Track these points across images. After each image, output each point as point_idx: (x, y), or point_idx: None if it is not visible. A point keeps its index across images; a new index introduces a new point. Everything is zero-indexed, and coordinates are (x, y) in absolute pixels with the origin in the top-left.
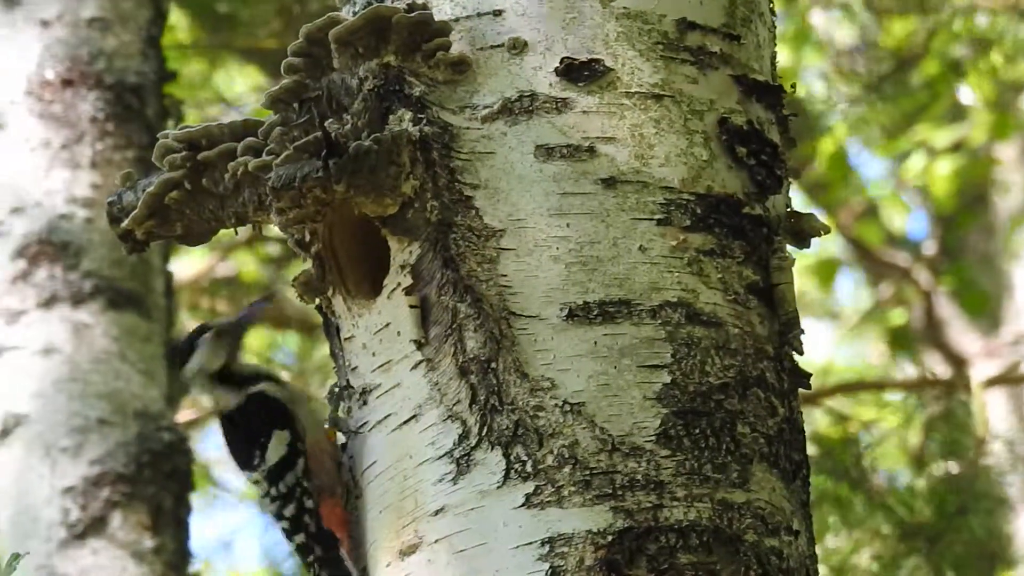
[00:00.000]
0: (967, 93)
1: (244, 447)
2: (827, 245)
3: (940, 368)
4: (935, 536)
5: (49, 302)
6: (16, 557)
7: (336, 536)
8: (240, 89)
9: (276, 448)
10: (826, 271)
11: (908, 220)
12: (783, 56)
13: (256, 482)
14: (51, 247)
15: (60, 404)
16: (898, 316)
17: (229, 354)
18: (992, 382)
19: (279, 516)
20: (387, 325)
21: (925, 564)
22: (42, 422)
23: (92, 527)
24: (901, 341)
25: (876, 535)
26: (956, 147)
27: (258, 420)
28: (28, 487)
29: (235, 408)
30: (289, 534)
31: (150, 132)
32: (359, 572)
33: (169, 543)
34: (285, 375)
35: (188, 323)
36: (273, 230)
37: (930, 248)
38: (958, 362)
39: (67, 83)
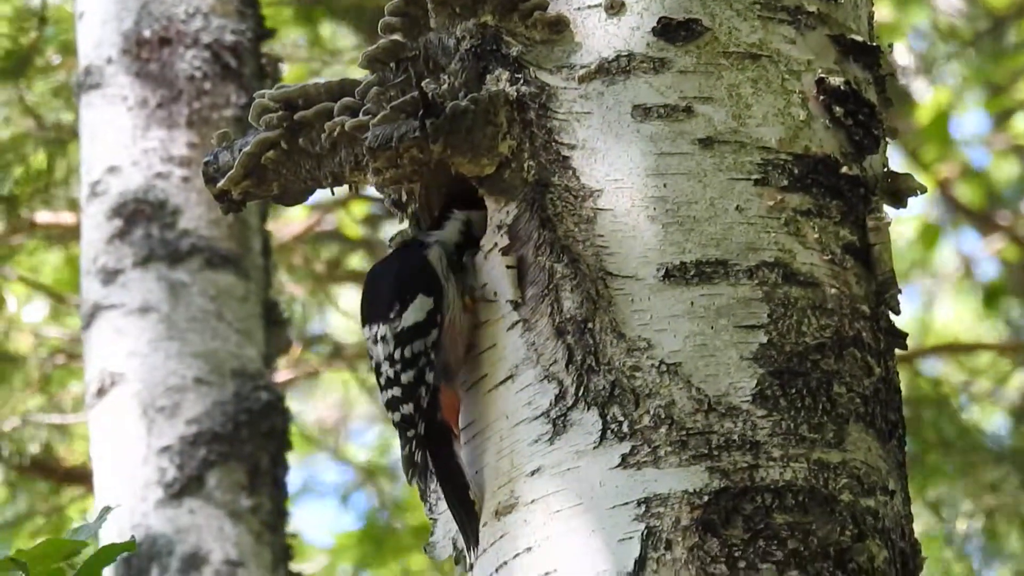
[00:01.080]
0: None
1: (383, 300)
2: (928, 206)
3: None
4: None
5: (146, 261)
6: (107, 510)
7: (451, 428)
8: (338, 47)
9: (416, 311)
10: (929, 237)
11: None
12: (885, 13)
13: (383, 338)
14: (148, 206)
15: (157, 363)
16: (996, 279)
17: (464, 238)
18: None
19: (394, 382)
20: (484, 286)
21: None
22: (139, 381)
23: (189, 486)
24: (994, 301)
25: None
26: None
27: (407, 277)
28: (125, 446)
29: (398, 251)
30: (398, 402)
31: (247, 91)
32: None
33: (266, 502)
34: None
35: (285, 283)
36: (370, 190)
37: None
38: None
39: (164, 41)
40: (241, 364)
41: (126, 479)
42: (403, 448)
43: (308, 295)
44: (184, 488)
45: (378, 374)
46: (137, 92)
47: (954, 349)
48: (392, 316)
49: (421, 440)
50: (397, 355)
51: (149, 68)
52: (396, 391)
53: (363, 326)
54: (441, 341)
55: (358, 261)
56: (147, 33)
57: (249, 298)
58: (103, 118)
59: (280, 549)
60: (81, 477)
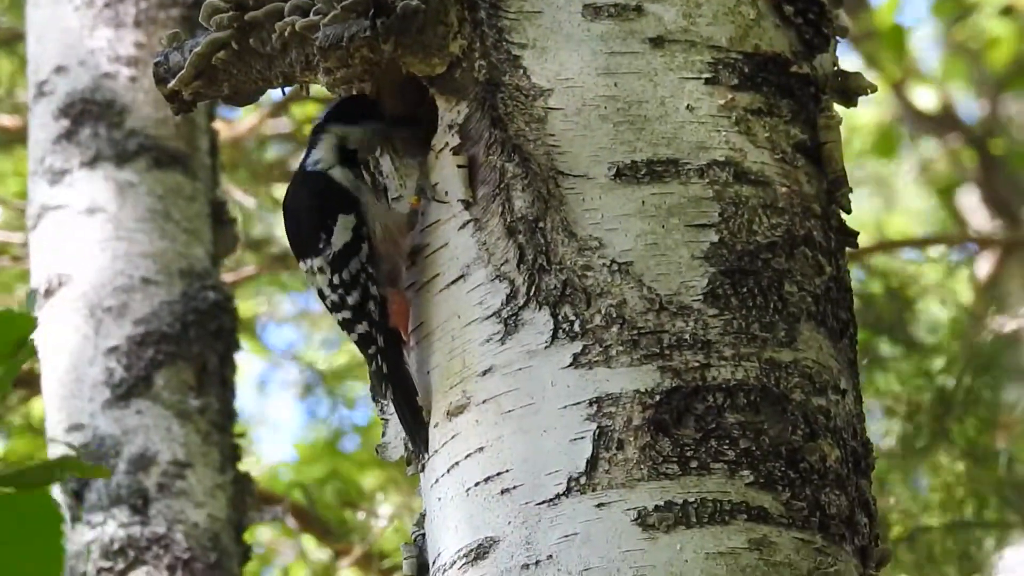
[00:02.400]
0: None
1: (308, 232)
2: (880, 106)
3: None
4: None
5: (93, 161)
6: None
7: (399, 335)
8: None
9: (341, 233)
10: (887, 143)
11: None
12: None
13: (319, 269)
14: (95, 106)
15: (104, 264)
16: (949, 177)
17: (375, 141)
18: None
19: (341, 305)
20: (435, 185)
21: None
22: (86, 282)
23: (136, 387)
24: (947, 198)
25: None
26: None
27: (322, 202)
28: (72, 347)
29: (303, 175)
30: (351, 323)
31: None
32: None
33: (214, 403)
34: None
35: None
36: (320, 90)
37: (983, 110)
38: (1012, 221)
39: None
40: (189, 264)
41: (73, 380)
42: (369, 364)
43: (252, 196)
44: (131, 389)
45: (323, 299)
46: None
47: (904, 244)
48: (322, 246)
49: (383, 352)
50: (336, 280)
51: None
52: (346, 313)
53: (298, 261)
54: (375, 251)
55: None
56: None
57: (197, 197)
58: (50, 18)
59: (228, 449)
60: (27, 381)
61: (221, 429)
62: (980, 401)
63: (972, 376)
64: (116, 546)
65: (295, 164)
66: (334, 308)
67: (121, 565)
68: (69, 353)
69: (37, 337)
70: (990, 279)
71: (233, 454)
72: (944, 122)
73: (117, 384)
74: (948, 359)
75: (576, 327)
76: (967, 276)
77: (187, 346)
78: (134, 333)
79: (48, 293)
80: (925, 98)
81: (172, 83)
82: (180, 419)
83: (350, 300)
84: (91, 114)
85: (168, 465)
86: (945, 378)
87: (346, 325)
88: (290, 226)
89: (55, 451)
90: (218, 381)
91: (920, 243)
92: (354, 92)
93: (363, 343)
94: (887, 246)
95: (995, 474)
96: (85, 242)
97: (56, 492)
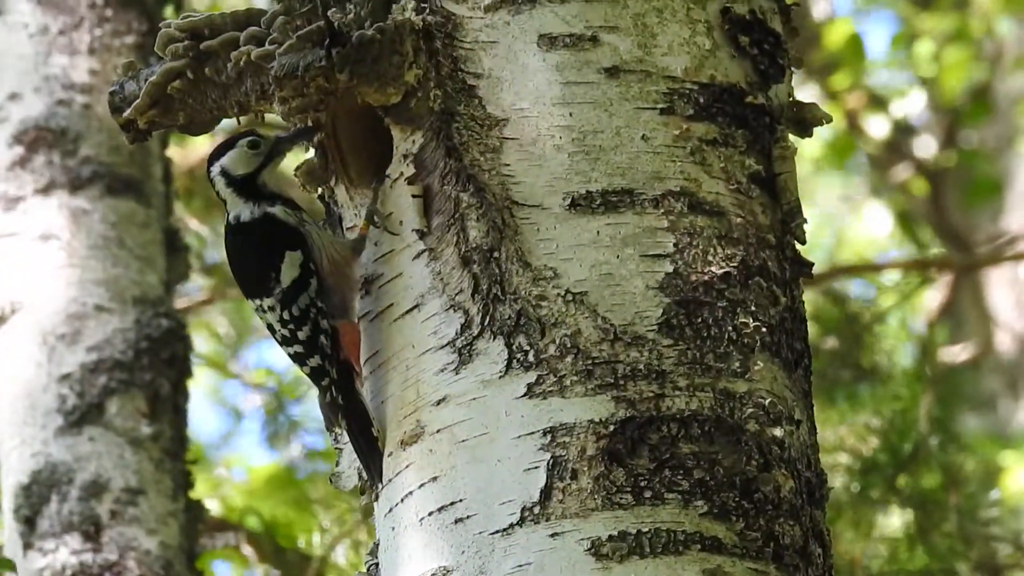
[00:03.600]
0: None
1: (257, 272)
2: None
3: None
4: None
5: (47, 188)
6: None
7: (352, 366)
8: None
9: (289, 270)
10: (840, 152)
11: (911, 109)
12: None
13: (270, 308)
14: (49, 133)
15: (58, 291)
16: (902, 201)
17: (260, 166)
18: (988, 262)
19: (292, 339)
20: (390, 214)
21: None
22: (39, 309)
23: (89, 414)
24: (904, 224)
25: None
26: (958, 37)
27: (269, 242)
28: (25, 374)
29: (246, 223)
30: (303, 357)
31: (149, 18)
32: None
33: (167, 430)
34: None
35: (184, 214)
36: (276, 119)
37: (935, 138)
38: (963, 248)
39: None
40: (142, 291)
41: (27, 407)
42: (323, 396)
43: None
44: (84, 416)
45: (273, 334)
46: (38, 19)
47: (860, 269)
48: (271, 286)
49: (337, 384)
50: (287, 315)
51: None
52: (297, 347)
53: (248, 300)
54: (324, 283)
55: None
56: None
57: (150, 224)
58: (4, 45)
59: (180, 477)
60: None
61: (173, 456)
62: (933, 456)
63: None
64: (68, 573)
65: None
66: (285, 343)
67: None
68: (22, 380)
69: None
70: (942, 307)
71: (185, 481)
72: (897, 150)
73: (70, 411)
74: (906, 397)
75: (530, 357)
76: (921, 303)
77: (140, 373)
78: (87, 360)
79: (1, 320)
80: (878, 127)
81: (127, 112)
82: (133, 446)
83: (300, 335)
84: (45, 141)
85: (120, 492)
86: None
87: (298, 359)
88: (235, 266)
89: (8, 479)
90: (171, 408)
91: (876, 269)
92: (309, 121)
93: (316, 376)
94: (841, 272)
95: (946, 524)
96: (39, 269)
97: (8, 518)
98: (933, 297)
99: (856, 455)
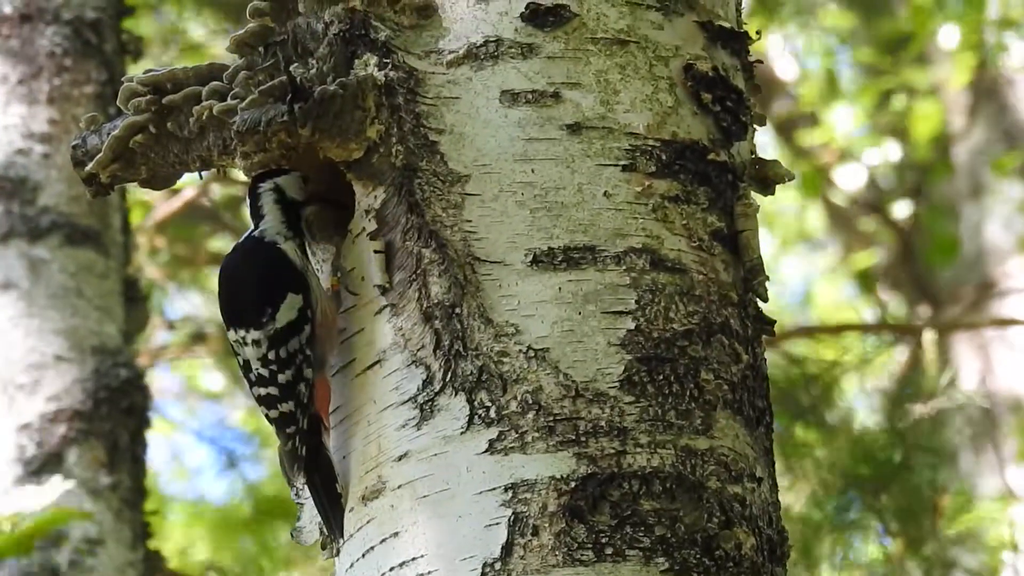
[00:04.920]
0: (947, 34)
1: (253, 300)
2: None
3: (914, 310)
4: (879, 487)
5: (6, 237)
6: None
7: (321, 420)
8: (203, 33)
9: (287, 311)
10: (812, 184)
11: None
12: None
13: (254, 342)
14: (8, 182)
15: (16, 340)
16: (867, 258)
17: (306, 200)
18: (952, 327)
19: (269, 381)
20: (352, 270)
21: (869, 513)
22: None
23: (48, 463)
24: (868, 283)
25: (822, 482)
26: (932, 91)
27: (277, 276)
28: None
29: (263, 242)
30: (274, 400)
31: (108, 68)
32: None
33: (125, 479)
34: None
35: (144, 263)
36: (238, 174)
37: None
38: (932, 305)
39: (25, 18)
40: (101, 341)
41: None
42: (284, 444)
43: (168, 278)
44: (43, 465)
45: (247, 371)
46: None
47: (823, 331)
48: (264, 320)
49: (303, 435)
50: (272, 356)
51: (10, 44)
52: (272, 389)
53: (228, 328)
54: (315, 335)
55: (221, 243)
56: (7, 9)
57: (109, 275)
58: None
59: (139, 527)
60: None
61: (132, 506)
62: (911, 484)
63: (905, 456)
64: None
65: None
66: (259, 382)
67: None
68: None
69: None
70: (909, 363)
71: (144, 531)
72: (865, 206)
73: (29, 460)
74: (880, 441)
75: (492, 413)
76: (885, 362)
77: (99, 423)
78: (46, 410)
79: None
80: (850, 177)
81: (90, 166)
82: (92, 496)
83: (281, 378)
84: (4, 191)
85: (80, 542)
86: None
87: (266, 401)
88: (228, 290)
89: None
90: (129, 458)
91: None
92: None
93: (282, 422)
94: (805, 332)
95: (924, 554)
96: None
97: None
98: (901, 353)
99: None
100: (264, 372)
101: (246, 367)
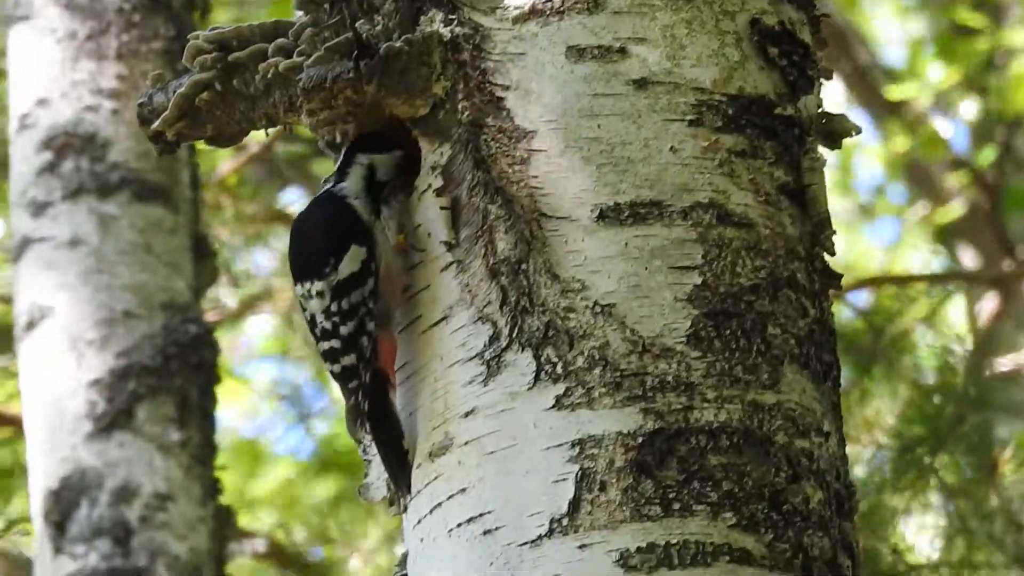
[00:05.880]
0: None
1: (317, 251)
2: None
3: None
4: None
5: (75, 194)
6: None
7: (387, 377)
8: None
9: (350, 263)
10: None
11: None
12: None
13: (318, 293)
14: (77, 139)
15: (86, 296)
16: (950, 211)
17: (393, 185)
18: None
19: (332, 333)
20: (418, 226)
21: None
22: (68, 314)
23: (118, 420)
24: (947, 239)
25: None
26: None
27: (341, 228)
28: (54, 380)
29: (336, 196)
30: (337, 354)
31: (176, 23)
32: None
33: (195, 435)
34: None
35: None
36: (304, 131)
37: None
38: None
39: None
40: (170, 297)
41: (56, 413)
42: (347, 399)
43: (236, 235)
44: (113, 421)
45: (312, 326)
46: (66, 24)
47: (888, 281)
48: (327, 271)
49: (366, 389)
50: (334, 308)
51: (78, 0)
52: (335, 343)
53: (295, 282)
54: (378, 289)
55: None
56: None
57: (178, 231)
58: (32, 50)
59: (209, 483)
60: (11, 419)
61: (202, 462)
62: (971, 439)
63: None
64: None
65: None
66: (323, 336)
67: None
68: (51, 385)
69: (20, 369)
70: (990, 320)
71: (214, 487)
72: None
73: (99, 417)
74: (943, 394)
75: (559, 369)
76: (964, 314)
77: (168, 379)
78: (116, 366)
79: (30, 325)
80: (944, 127)
81: (156, 124)
82: (162, 452)
83: (343, 330)
84: (73, 147)
85: (150, 498)
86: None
87: (331, 355)
88: (296, 243)
89: (37, 484)
90: (199, 414)
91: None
92: (337, 133)
93: (345, 376)
94: (871, 283)
95: (985, 513)
96: (67, 275)
97: (38, 522)
98: (982, 308)
99: (891, 435)
100: (327, 325)
101: (311, 322)
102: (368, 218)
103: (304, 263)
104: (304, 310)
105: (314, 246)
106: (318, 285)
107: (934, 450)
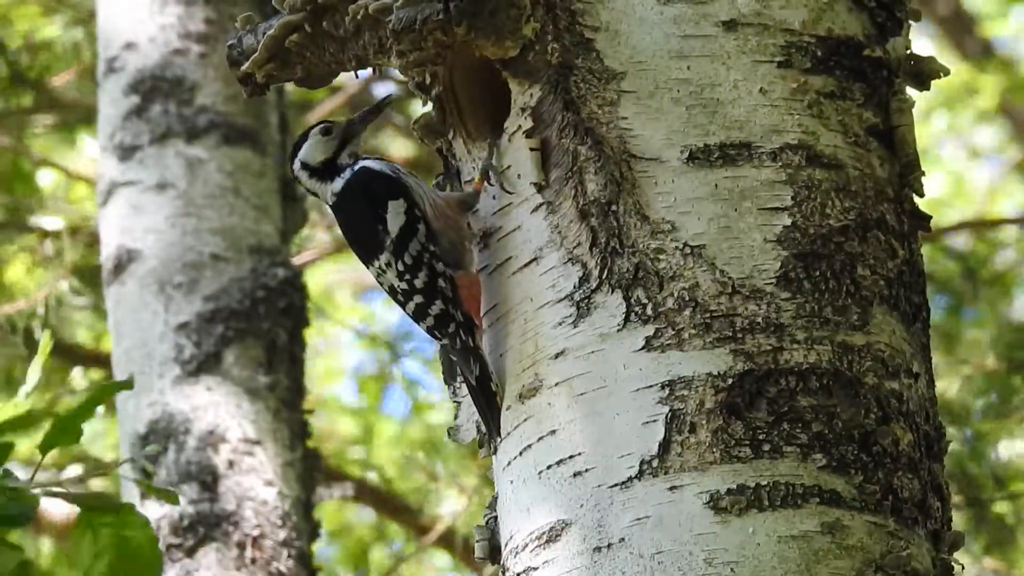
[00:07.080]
0: None
1: (367, 230)
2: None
3: None
4: None
5: (163, 137)
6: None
7: (472, 319)
8: None
9: (395, 218)
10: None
11: None
12: None
13: (387, 264)
14: (165, 82)
15: (174, 239)
16: None
17: (337, 149)
18: None
19: (412, 291)
20: (508, 168)
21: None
22: (156, 258)
23: (206, 363)
24: None
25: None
26: None
27: (370, 197)
28: (142, 323)
29: (341, 192)
30: (424, 307)
31: None
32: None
33: (283, 379)
34: None
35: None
36: (394, 73)
37: None
38: None
39: None
40: (258, 240)
41: (143, 356)
42: (453, 344)
43: None
44: (201, 365)
45: (395, 296)
46: None
47: (981, 225)
48: (382, 239)
49: (464, 326)
50: (401, 266)
51: None
52: (417, 298)
53: (367, 266)
54: (433, 230)
55: (375, 143)
56: None
57: (266, 174)
58: None
59: (297, 426)
60: (102, 359)
61: (291, 406)
62: None
63: None
64: (185, 523)
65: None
66: (406, 296)
67: (191, 542)
68: (139, 329)
69: (108, 312)
70: None
71: (302, 431)
72: None
73: (187, 360)
74: None
75: (648, 310)
76: None
77: (257, 323)
78: (204, 310)
79: (118, 269)
80: None
81: (245, 66)
82: (250, 396)
83: (417, 282)
84: (161, 91)
85: (238, 442)
86: None
87: (419, 312)
88: (347, 232)
89: (125, 428)
90: (287, 358)
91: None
92: (427, 75)
93: (440, 323)
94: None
95: None
96: (155, 218)
97: (126, 467)
98: None
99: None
100: (404, 286)
101: (392, 292)
102: (388, 167)
103: (363, 245)
104: (382, 286)
105: (361, 227)
106: (384, 257)
107: None
